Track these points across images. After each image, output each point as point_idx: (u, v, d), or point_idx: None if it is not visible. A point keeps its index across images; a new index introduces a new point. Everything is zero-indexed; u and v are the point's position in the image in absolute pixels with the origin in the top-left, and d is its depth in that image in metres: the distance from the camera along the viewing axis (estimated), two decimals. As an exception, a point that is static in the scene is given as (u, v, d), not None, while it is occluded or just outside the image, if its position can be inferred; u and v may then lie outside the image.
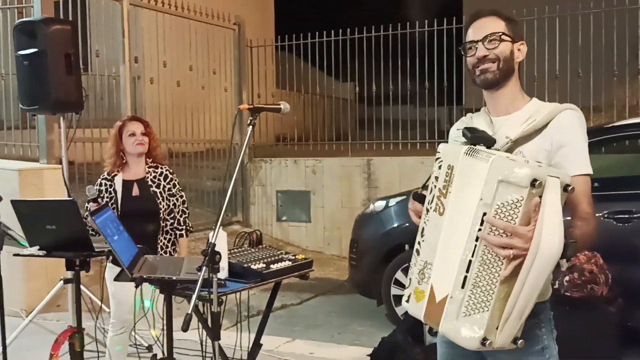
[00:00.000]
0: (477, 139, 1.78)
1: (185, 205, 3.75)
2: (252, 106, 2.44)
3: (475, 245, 1.65)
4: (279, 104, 2.56)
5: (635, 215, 4.02)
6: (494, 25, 1.91)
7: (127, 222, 3.40)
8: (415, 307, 1.84)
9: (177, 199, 3.67)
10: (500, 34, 1.89)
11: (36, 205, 3.18)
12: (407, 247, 3.88)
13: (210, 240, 2.30)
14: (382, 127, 8.24)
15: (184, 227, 3.70)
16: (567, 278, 3.52)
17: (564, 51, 7.13)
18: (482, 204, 1.64)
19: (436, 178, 1.81)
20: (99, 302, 3.97)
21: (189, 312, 2.12)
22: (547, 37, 7.15)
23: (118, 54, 6.93)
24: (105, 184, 3.59)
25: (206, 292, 2.35)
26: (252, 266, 2.84)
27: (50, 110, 4.90)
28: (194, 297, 2.15)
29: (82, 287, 4.04)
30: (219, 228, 2.28)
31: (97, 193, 3.44)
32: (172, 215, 3.65)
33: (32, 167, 6.03)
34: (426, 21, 7.92)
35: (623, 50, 7.01)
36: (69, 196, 4.44)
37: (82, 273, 3.18)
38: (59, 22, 4.88)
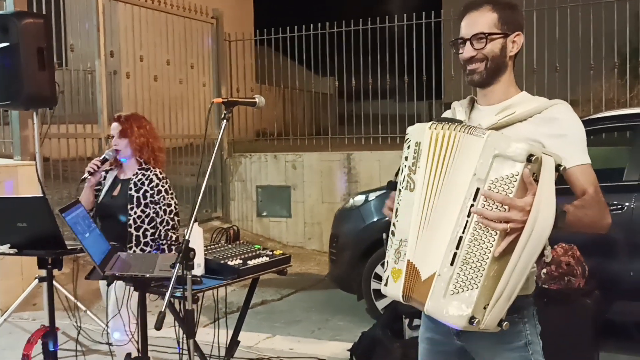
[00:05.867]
0: (442, 119, 1.80)
1: (172, 216, 3.33)
2: (226, 100, 2.40)
3: (467, 221, 1.64)
4: (254, 98, 2.52)
5: (611, 208, 4.04)
6: (485, 20, 1.84)
7: (101, 221, 3.34)
8: (393, 288, 1.81)
9: (160, 207, 3.30)
10: (488, 34, 1.83)
11: (6, 202, 3.10)
12: (384, 235, 3.86)
13: (184, 237, 2.26)
14: (362, 122, 8.23)
15: (165, 241, 3.30)
16: (544, 270, 3.53)
17: (541, 45, 7.17)
18: (475, 179, 1.64)
19: (405, 158, 1.82)
20: (74, 300, 3.92)
21: (162, 310, 2.08)
22: (525, 31, 7.17)
23: (93, 48, 6.82)
24: (104, 175, 3.49)
25: (180, 290, 2.31)
26: (229, 262, 2.80)
27: (23, 105, 4.82)
28: (167, 294, 2.11)
29: (58, 285, 3.99)
30: (192, 224, 2.24)
31: (113, 155, 3.35)
32: (153, 224, 3.31)
33: (6, 163, 5.93)
34: (405, 15, 7.91)
35: (600, 44, 7.06)
36: (43, 193, 4.36)
37: (60, 271, 3.11)
38: (31, 16, 4.79)
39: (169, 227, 3.31)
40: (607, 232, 1.81)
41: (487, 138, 1.66)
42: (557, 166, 1.65)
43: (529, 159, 1.58)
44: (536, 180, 1.60)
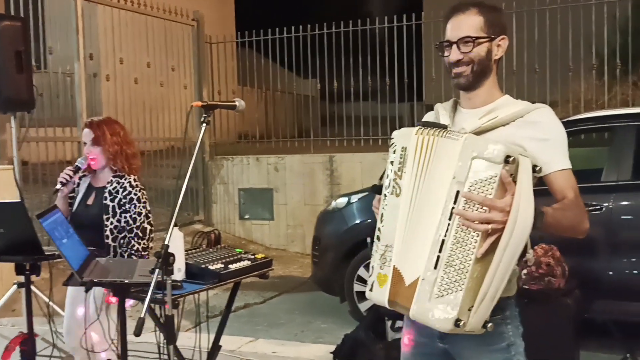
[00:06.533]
0: (428, 124, 1.80)
1: (138, 225, 3.16)
2: (205, 103, 2.39)
3: (449, 223, 1.65)
4: (234, 101, 2.50)
5: (590, 208, 4.09)
6: (471, 23, 1.84)
7: (76, 230, 3.27)
8: (378, 293, 1.81)
9: (130, 216, 3.17)
10: (475, 37, 1.83)
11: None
12: (368, 240, 3.86)
13: (164, 241, 2.24)
14: (345, 124, 8.24)
15: (126, 249, 3.14)
16: (525, 271, 3.56)
17: (520, 47, 7.23)
18: (455, 182, 1.65)
19: (391, 163, 1.82)
20: (54, 306, 3.88)
21: (142, 316, 2.06)
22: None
23: (72, 51, 6.75)
24: (77, 182, 3.36)
25: (161, 295, 2.29)
26: (210, 267, 2.78)
27: (0, 109, 4.75)
28: (147, 300, 2.09)
29: (36, 291, 3.94)
30: (172, 228, 2.23)
31: (85, 163, 3.21)
32: (124, 234, 3.18)
33: (-17, 168, 5.84)
34: (386, 17, 7.94)
35: (578, 46, 7.14)
36: (21, 198, 4.31)
37: (38, 277, 3.07)
38: (8, 19, 4.74)
39: (132, 235, 3.16)
40: (582, 237, 1.82)
41: (465, 141, 1.67)
42: (534, 167, 1.67)
43: (507, 160, 1.59)
44: (514, 181, 1.61)
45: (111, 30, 7.42)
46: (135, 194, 3.20)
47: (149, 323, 2.68)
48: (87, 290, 2.45)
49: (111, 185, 3.24)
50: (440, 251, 1.66)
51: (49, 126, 6.64)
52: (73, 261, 2.46)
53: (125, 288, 2.49)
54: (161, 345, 2.70)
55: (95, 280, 2.45)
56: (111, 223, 3.16)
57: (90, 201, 3.27)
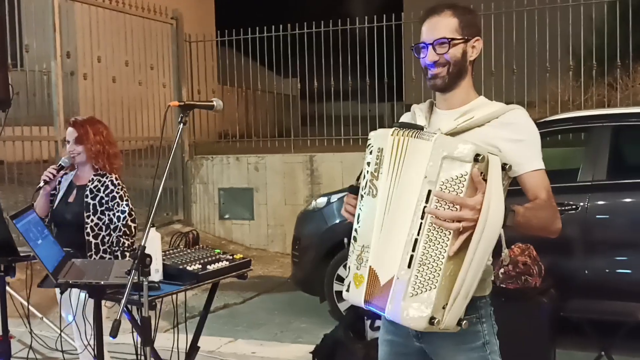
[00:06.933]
0: (404, 125, 1.82)
1: (124, 223, 3.24)
2: (182, 103, 2.37)
3: (421, 223, 1.67)
4: (212, 101, 2.49)
5: (566, 208, 4.14)
6: (447, 25, 1.86)
7: (56, 227, 3.27)
8: (355, 294, 1.83)
9: (114, 214, 3.24)
10: (451, 39, 1.85)
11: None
12: (345, 240, 3.87)
13: (141, 242, 2.22)
14: (325, 123, 8.25)
15: (117, 248, 3.24)
16: (502, 270, 3.59)
17: (499, 48, 7.30)
18: (426, 181, 1.67)
19: (368, 164, 1.83)
20: (32, 308, 3.82)
21: (118, 317, 2.04)
22: (483, 35, 7.29)
23: (49, 48, 6.66)
24: (59, 180, 3.40)
25: (137, 296, 2.27)
26: (188, 267, 2.76)
27: (-25, 107, 4.67)
28: (123, 302, 2.08)
29: (12, 292, 3.88)
30: (149, 229, 2.21)
31: (69, 162, 3.29)
32: (109, 231, 3.26)
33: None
34: (366, 18, 7.96)
35: (555, 47, 7.22)
36: (-3, 198, 4.24)
37: (13, 278, 3.03)
38: (-17, 16, 4.65)
39: (121, 233, 3.23)
40: (557, 237, 1.84)
41: (435, 141, 1.69)
42: (503, 165, 1.69)
43: (476, 158, 1.61)
44: (485, 180, 1.63)
45: (89, 28, 7.34)
46: (118, 192, 3.27)
47: (127, 324, 2.66)
48: (62, 292, 2.42)
49: (92, 183, 3.29)
50: (413, 250, 1.68)
51: (25, 125, 6.55)
52: (48, 262, 2.43)
53: (101, 289, 2.47)
54: (139, 346, 2.68)
55: (70, 281, 2.43)
56: (92, 220, 3.22)
57: (71, 199, 3.32)
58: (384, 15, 7.81)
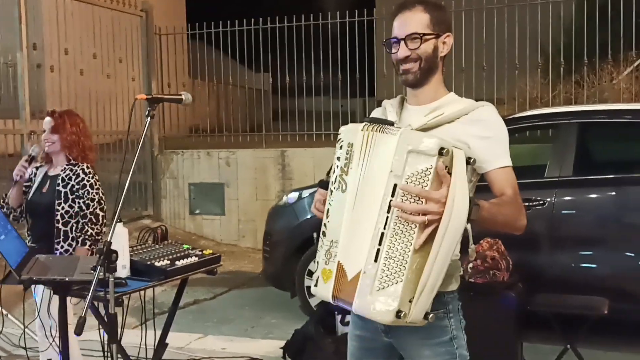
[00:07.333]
0: (374, 120, 1.82)
1: (92, 210, 3.30)
2: (150, 96, 2.34)
3: (387, 216, 1.67)
4: (180, 94, 2.46)
5: (534, 203, 4.20)
6: (418, 20, 1.87)
7: (31, 218, 3.35)
8: (323, 288, 1.83)
9: (84, 202, 3.29)
10: (422, 34, 1.85)
11: None
12: (314, 235, 3.88)
13: (107, 238, 2.19)
14: (297, 118, 8.22)
15: (80, 234, 3.29)
16: (470, 265, 3.63)
17: (469, 45, 7.36)
18: (392, 175, 1.67)
19: (338, 158, 1.83)
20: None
21: (82, 314, 2.01)
22: (454, 32, 7.35)
23: (15, 40, 6.52)
24: (34, 172, 3.46)
25: (103, 292, 2.24)
26: (156, 263, 2.74)
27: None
28: (88, 298, 2.04)
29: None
30: (115, 224, 2.18)
31: (38, 150, 3.35)
32: (77, 219, 3.32)
33: None
34: (338, 13, 7.95)
35: (524, 45, 7.31)
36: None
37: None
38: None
39: (86, 220, 3.29)
40: (524, 232, 1.86)
41: (400, 135, 1.70)
42: (468, 159, 1.70)
43: (441, 152, 1.62)
44: (450, 173, 1.64)
45: (56, 19, 7.19)
46: (88, 181, 3.32)
47: (93, 321, 2.62)
48: (25, 289, 2.37)
49: (64, 172, 3.34)
50: (380, 244, 1.68)
51: (-10, 118, 6.41)
52: (10, 258, 2.38)
53: (66, 286, 2.42)
54: (105, 343, 2.65)
55: (34, 277, 2.38)
56: (62, 208, 3.28)
57: (44, 189, 3.37)
58: (356, 11, 7.81)
